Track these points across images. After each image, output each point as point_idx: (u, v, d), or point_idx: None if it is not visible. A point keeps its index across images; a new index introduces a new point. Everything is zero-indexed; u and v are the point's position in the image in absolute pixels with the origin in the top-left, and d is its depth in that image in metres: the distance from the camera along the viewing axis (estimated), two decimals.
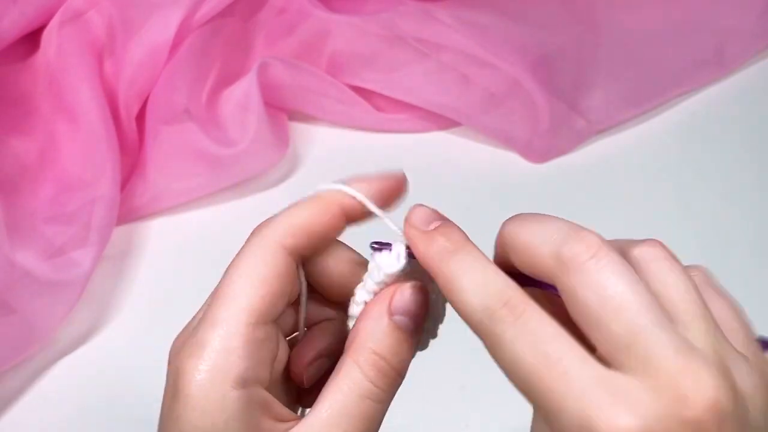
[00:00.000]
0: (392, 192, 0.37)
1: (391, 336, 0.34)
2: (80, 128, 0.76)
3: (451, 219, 0.35)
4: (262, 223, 0.35)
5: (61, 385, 0.68)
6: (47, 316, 0.69)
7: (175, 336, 0.36)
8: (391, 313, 0.34)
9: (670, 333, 0.28)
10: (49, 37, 0.78)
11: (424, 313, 0.35)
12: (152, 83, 0.80)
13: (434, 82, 0.84)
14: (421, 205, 0.35)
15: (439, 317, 0.37)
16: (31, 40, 0.80)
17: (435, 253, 0.33)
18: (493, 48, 0.86)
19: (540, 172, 0.83)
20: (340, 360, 0.34)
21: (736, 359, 0.29)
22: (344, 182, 0.36)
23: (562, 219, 0.32)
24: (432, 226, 0.34)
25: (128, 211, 0.77)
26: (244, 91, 0.81)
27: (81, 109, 0.76)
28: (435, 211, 0.35)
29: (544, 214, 0.33)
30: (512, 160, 0.83)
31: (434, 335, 0.38)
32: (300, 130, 0.85)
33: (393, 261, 0.35)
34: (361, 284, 0.35)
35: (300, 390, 0.38)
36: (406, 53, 0.85)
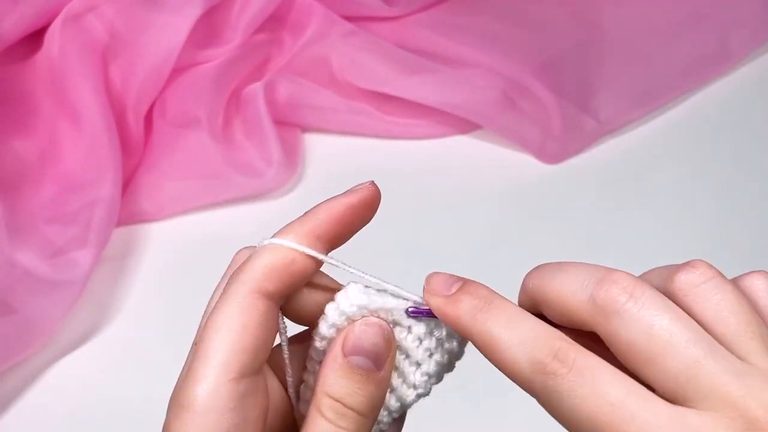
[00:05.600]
0: (354, 213, 0.34)
1: (347, 378, 0.32)
2: (82, 129, 0.76)
3: (472, 278, 0.34)
4: (237, 268, 0.33)
5: (61, 385, 0.68)
6: (47, 316, 0.69)
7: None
8: (344, 354, 0.32)
9: (726, 359, 0.28)
10: (51, 38, 0.78)
11: (385, 348, 0.33)
12: (160, 86, 0.80)
13: (445, 87, 0.84)
14: (437, 272, 0.34)
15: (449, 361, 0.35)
16: (33, 40, 0.80)
17: (465, 313, 0.31)
18: (499, 53, 0.87)
19: (554, 173, 0.83)
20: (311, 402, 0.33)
21: None
22: (289, 233, 0.33)
23: (588, 264, 0.31)
24: (454, 289, 0.32)
25: (130, 215, 0.78)
26: (254, 108, 0.81)
27: (83, 110, 0.76)
28: (452, 275, 0.33)
29: (567, 262, 0.32)
30: (526, 161, 0.84)
31: (439, 377, 0.35)
32: (310, 139, 0.86)
33: (348, 301, 0.33)
34: (324, 317, 0.34)
35: None
36: (416, 61, 0.86)
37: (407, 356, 0.34)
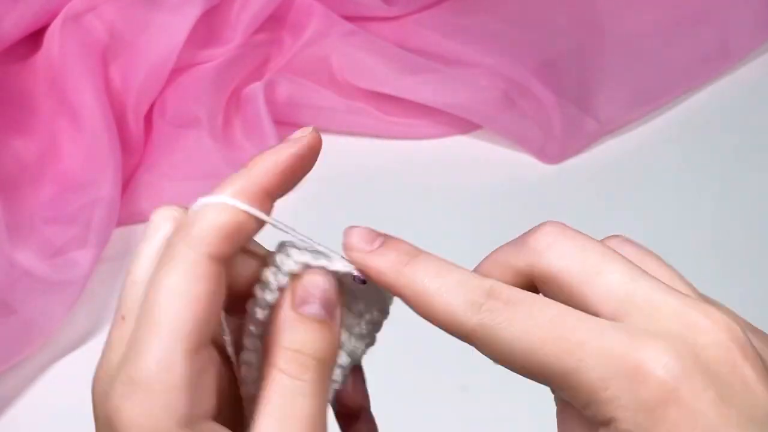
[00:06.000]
0: (302, 162, 0.33)
1: (302, 329, 0.31)
2: (82, 129, 0.76)
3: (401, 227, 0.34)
4: (179, 227, 0.30)
5: (61, 385, 0.68)
6: (47, 316, 0.69)
7: None
8: (296, 306, 0.31)
9: (658, 282, 0.28)
10: (51, 38, 0.78)
11: (334, 294, 0.32)
12: (160, 86, 0.80)
13: (445, 87, 0.84)
14: (354, 226, 0.33)
15: (381, 306, 0.35)
16: (33, 40, 0.80)
17: (390, 267, 0.31)
18: (499, 53, 0.87)
19: (554, 173, 0.83)
20: (264, 369, 0.31)
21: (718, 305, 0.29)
22: (230, 189, 0.31)
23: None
24: (376, 244, 0.32)
25: (130, 215, 0.78)
26: (254, 108, 0.81)
27: (83, 110, 0.76)
28: (371, 230, 0.32)
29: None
30: (526, 161, 0.84)
31: (377, 327, 0.35)
32: None
33: (292, 260, 0.32)
34: (262, 284, 0.32)
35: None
36: (416, 61, 0.86)
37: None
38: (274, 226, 0.32)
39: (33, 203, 0.74)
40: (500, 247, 0.33)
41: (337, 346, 0.32)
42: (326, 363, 0.31)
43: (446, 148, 0.85)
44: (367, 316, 0.35)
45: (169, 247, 0.30)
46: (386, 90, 0.84)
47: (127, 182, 0.78)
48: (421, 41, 0.89)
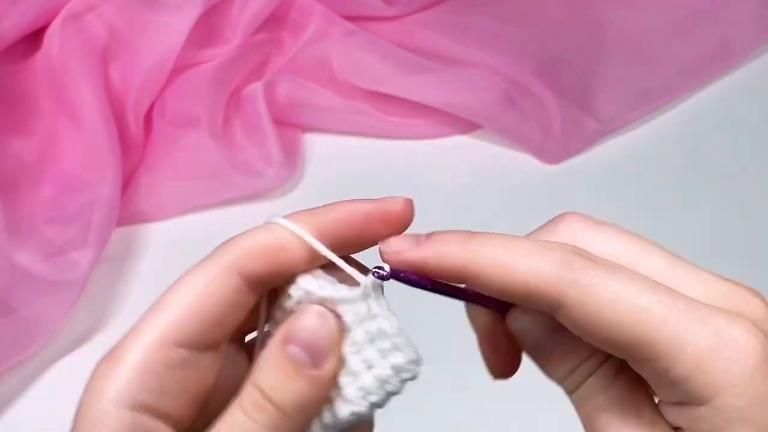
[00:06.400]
0: (368, 222, 0.30)
1: (277, 368, 0.28)
2: (81, 129, 0.76)
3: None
4: (226, 240, 0.30)
5: (61, 385, 0.68)
6: (47, 316, 0.69)
7: None
8: (285, 342, 0.28)
9: (693, 265, 0.29)
10: (51, 38, 0.78)
11: (327, 342, 0.29)
12: (160, 85, 0.80)
13: (445, 87, 0.84)
14: (389, 238, 0.30)
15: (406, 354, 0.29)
16: (32, 40, 0.80)
17: (452, 247, 0.28)
18: (499, 53, 0.87)
19: (554, 173, 0.83)
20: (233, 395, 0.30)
21: None
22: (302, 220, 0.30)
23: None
24: (422, 239, 0.29)
25: (130, 215, 0.78)
26: (254, 108, 0.81)
27: (82, 110, 0.76)
28: (408, 234, 0.30)
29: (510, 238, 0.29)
30: (526, 161, 0.84)
31: (380, 396, 0.29)
32: (310, 139, 0.85)
33: (296, 285, 0.29)
34: (277, 307, 0.30)
35: None
36: (416, 61, 0.86)
37: (343, 365, 0.29)
38: (320, 251, 0.30)
39: (33, 203, 0.74)
40: (524, 235, 0.30)
41: (313, 403, 0.29)
42: (288, 416, 0.28)
43: (446, 148, 0.85)
44: (361, 381, 0.29)
45: (212, 252, 0.30)
46: (386, 90, 0.84)
47: (127, 182, 0.78)
48: (421, 41, 0.89)
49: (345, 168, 0.83)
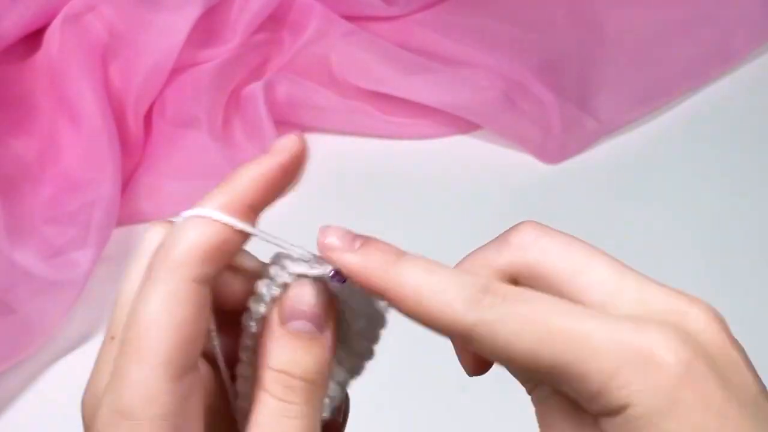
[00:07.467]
0: (286, 173, 0.31)
1: (288, 346, 0.30)
2: (81, 129, 0.76)
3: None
4: (159, 248, 0.29)
5: (61, 385, 0.68)
6: (47, 316, 0.69)
7: None
8: (283, 321, 0.30)
9: (643, 275, 0.29)
10: (51, 38, 0.78)
11: (325, 307, 0.30)
12: (160, 85, 0.80)
13: (446, 87, 0.84)
14: (329, 225, 0.30)
15: (376, 320, 0.32)
16: (32, 40, 0.80)
17: (377, 266, 0.29)
18: (498, 53, 0.87)
19: (554, 173, 0.83)
20: (254, 388, 0.30)
21: None
22: (214, 201, 0.30)
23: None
24: (357, 244, 0.29)
25: (130, 215, 0.78)
26: (254, 108, 0.81)
27: (82, 110, 0.76)
28: (347, 230, 0.30)
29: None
30: (526, 161, 0.84)
31: (373, 342, 0.32)
32: (310, 139, 0.85)
33: (286, 271, 0.30)
34: (256, 297, 0.31)
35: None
36: (416, 61, 0.86)
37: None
38: (260, 238, 0.30)
39: (33, 203, 0.74)
40: (478, 247, 0.32)
41: (329, 361, 0.30)
42: (315, 384, 0.30)
43: (446, 148, 0.85)
44: (355, 327, 0.32)
45: (150, 270, 0.29)
46: (386, 90, 0.84)
47: (127, 182, 0.78)
48: (421, 41, 0.89)
49: (345, 168, 0.83)
